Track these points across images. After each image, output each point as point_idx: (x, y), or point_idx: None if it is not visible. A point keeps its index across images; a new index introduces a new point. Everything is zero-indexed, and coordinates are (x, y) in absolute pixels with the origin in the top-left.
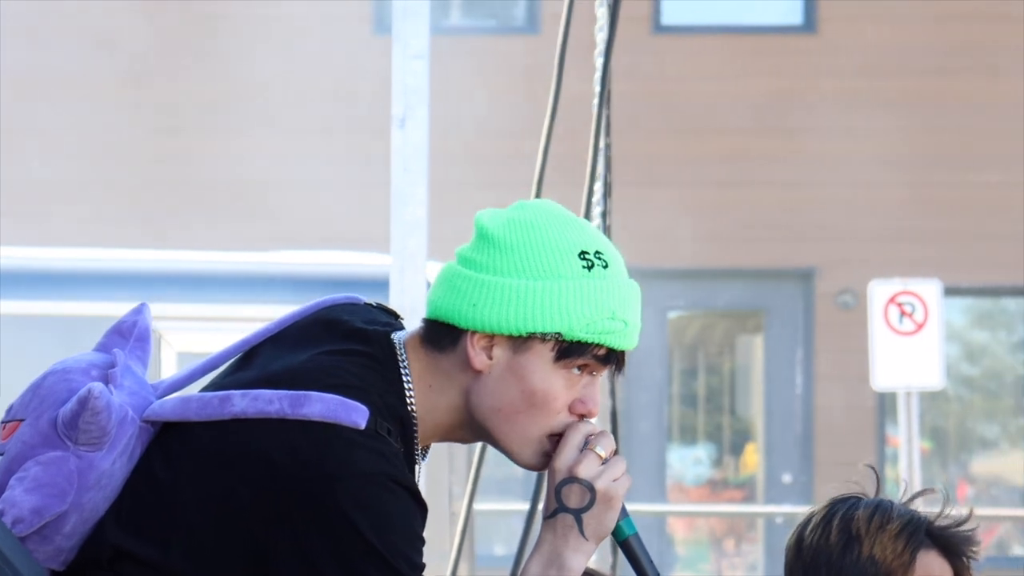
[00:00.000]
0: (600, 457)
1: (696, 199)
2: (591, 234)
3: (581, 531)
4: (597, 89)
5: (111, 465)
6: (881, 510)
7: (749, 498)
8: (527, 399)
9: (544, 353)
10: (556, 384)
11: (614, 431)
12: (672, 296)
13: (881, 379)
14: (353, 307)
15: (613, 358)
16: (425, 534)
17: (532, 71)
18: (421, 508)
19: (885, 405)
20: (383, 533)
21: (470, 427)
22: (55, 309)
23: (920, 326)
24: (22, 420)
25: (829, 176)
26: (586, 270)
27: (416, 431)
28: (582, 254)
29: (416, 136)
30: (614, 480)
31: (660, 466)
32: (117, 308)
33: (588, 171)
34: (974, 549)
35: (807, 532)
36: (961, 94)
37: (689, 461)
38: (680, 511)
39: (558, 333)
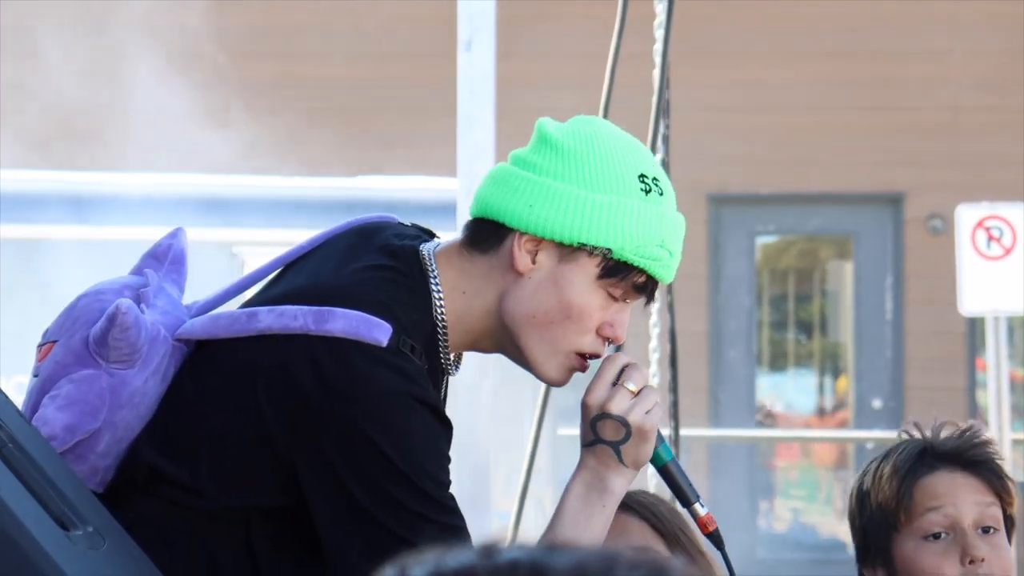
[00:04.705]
0: (631, 392)
1: (785, 123)
2: (650, 159)
3: (620, 460)
4: (663, 9)
5: (143, 383)
6: (888, 455)
7: (840, 424)
8: (563, 310)
9: (589, 268)
10: (594, 302)
11: (673, 352)
12: (760, 221)
13: (969, 304)
14: (384, 225)
15: (648, 289)
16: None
17: None
18: (445, 426)
19: (976, 331)
20: (406, 452)
21: (495, 335)
22: (138, 235)
23: (1008, 251)
24: (56, 342)
25: (918, 100)
26: (644, 193)
27: (446, 342)
28: (641, 177)
29: (482, 60)
30: (646, 412)
31: (749, 392)
32: (203, 233)
33: (656, 96)
34: (990, 450)
35: (854, 488)
36: None
37: (779, 388)
38: (772, 436)
39: (608, 249)
